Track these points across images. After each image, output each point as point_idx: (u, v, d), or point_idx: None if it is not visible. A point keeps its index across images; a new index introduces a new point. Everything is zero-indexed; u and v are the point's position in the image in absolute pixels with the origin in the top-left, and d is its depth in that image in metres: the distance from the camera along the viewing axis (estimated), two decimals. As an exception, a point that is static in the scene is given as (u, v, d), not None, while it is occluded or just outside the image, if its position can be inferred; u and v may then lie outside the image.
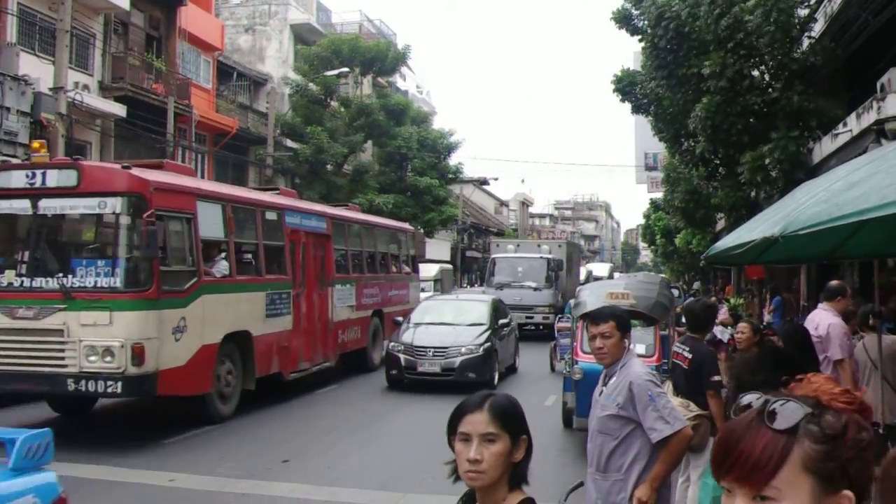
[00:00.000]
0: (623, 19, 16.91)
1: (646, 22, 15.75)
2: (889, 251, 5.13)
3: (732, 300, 22.59)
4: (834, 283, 8.28)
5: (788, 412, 1.33)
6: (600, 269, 52.71)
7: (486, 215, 69.59)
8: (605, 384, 4.40)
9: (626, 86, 18.45)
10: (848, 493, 1.30)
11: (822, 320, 7.47)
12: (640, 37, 16.50)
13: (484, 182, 58.10)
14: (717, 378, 6.51)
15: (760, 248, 3.23)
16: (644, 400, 4.13)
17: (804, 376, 1.50)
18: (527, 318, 25.64)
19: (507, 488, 2.35)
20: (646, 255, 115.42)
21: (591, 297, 11.11)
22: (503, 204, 79.65)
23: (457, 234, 53.59)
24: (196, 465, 9.30)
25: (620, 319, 4.35)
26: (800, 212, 2.68)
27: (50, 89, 18.06)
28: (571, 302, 18.74)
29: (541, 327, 26.29)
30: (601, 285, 13.57)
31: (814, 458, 1.30)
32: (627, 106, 19.05)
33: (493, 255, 29.33)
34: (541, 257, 27.72)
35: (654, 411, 4.12)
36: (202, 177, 28.69)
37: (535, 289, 26.25)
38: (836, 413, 1.35)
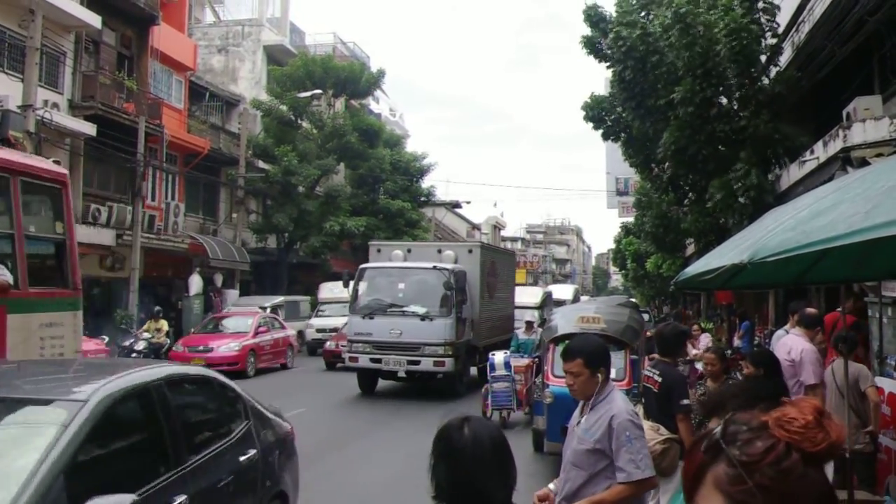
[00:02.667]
0: (591, 46, 17.19)
1: (612, 52, 16.01)
2: (854, 277, 5.20)
3: (703, 324, 22.77)
4: (812, 311, 8.38)
5: (710, 436, 1.42)
6: (563, 291, 47.80)
7: (458, 238, 69.67)
8: (583, 415, 4.30)
9: (596, 113, 18.64)
10: None
11: (796, 345, 7.56)
12: (608, 63, 16.78)
13: (456, 205, 58.17)
14: (686, 402, 6.55)
15: (729, 274, 3.26)
16: (621, 439, 4.06)
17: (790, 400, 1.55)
18: (409, 362, 17.74)
19: None
20: (616, 280, 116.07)
21: (562, 321, 11.17)
22: (475, 227, 79.80)
23: (429, 256, 53.44)
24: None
25: (589, 356, 4.20)
26: (768, 239, 2.71)
27: (18, 107, 17.88)
28: (519, 332, 17.47)
29: (439, 376, 18.01)
30: (572, 309, 13.62)
31: (724, 480, 1.35)
32: (599, 131, 19.20)
33: (365, 265, 19.63)
34: (435, 268, 18.17)
35: (627, 453, 4.04)
36: (172, 198, 28.56)
37: (425, 317, 17.64)
38: (770, 438, 1.38)
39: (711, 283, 4.17)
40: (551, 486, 4.32)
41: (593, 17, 17.13)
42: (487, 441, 2.46)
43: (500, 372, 13.59)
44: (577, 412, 4.42)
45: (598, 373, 4.21)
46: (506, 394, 13.50)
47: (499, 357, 13.98)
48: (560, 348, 10.79)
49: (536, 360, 13.80)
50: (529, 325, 17.33)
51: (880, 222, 2.18)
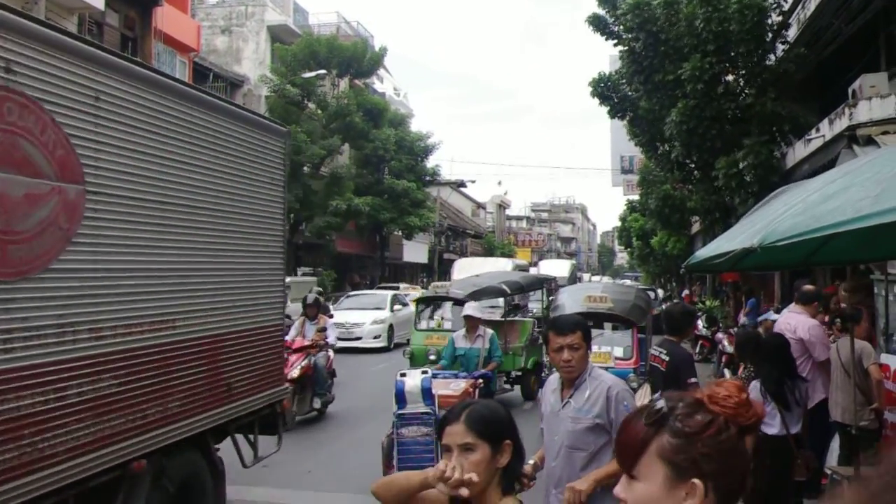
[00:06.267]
0: (598, 24, 17.06)
1: (621, 27, 15.94)
2: (860, 257, 5.25)
3: (708, 302, 22.84)
4: (809, 287, 8.41)
5: (654, 409, 1.58)
6: (558, 267, 44.48)
7: (463, 217, 69.72)
8: (570, 397, 4.19)
9: (604, 90, 18.55)
10: (696, 481, 1.51)
11: (801, 323, 7.61)
12: (615, 41, 16.70)
13: (461, 184, 58.27)
14: (693, 380, 6.61)
15: (738, 257, 3.32)
16: (619, 408, 4.03)
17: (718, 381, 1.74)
18: None
19: (499, 493, 2.36)
20: (622, 258, 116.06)
21: (569, 301, 11.21)
22: (480, 206, 79.79)
23: (434, 236, 53.70)
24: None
25: (587, 330, 4.18)
26: (778, 223, 2.76)
27: (25, 90, 17.90)
28: (457, 336, 10.71)
29: None
30: (579, 289, 13.65)
31: (668, 449, 1.53)
32: (604, 109, 19.11)
33: None
34: None
35: None
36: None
37: None
38: (707, 413, 1.56)
39: (721, 265, 4.22)
40: (531, 461, 4.19)
41: None
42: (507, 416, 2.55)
43: (415, 407, 7.79)
44: (553, 396, 4.30)
45: (590, 348, 4.23)
46: (424, 445, 7.66)
47: (412, 380, 7.90)
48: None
49: (482, 382, 9.75)
50: (472, 321, 10.59)
51: (888, 207, 2.23)
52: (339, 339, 21.98)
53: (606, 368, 9.72)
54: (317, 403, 12.37)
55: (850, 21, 12.42)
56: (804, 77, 15.10)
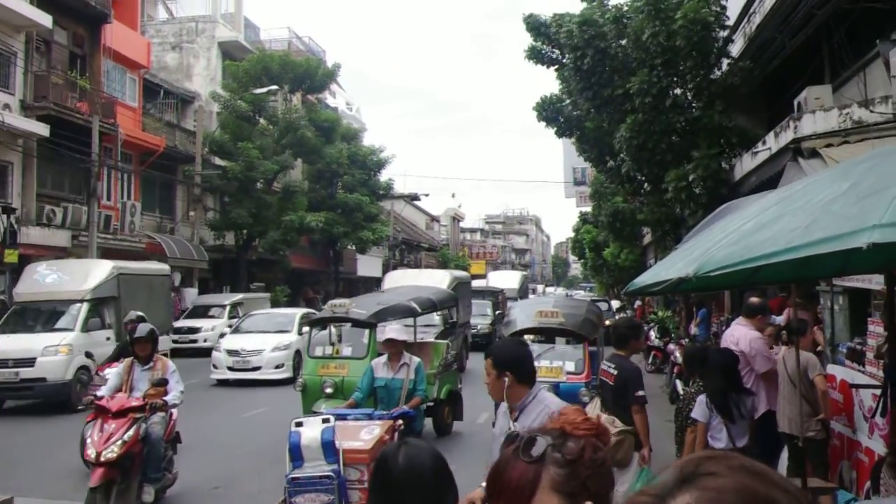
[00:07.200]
0: (536, 55, 17.51)
1: (569, 43, 16.17)
2: (800, 276, 5.36)
3: (660, 313, 23.09)
4: (754, 300, 8.58)
5: (535, 446, 1.64)
6: (507, 279, 44.64)
7: (417, 231, 69.73)
8: (516, 420, 4.19)
9: (549, 112, 18.82)
10: (589, 503, 1.60)
11: (742, 336, 7.75)
12: (555, 67, 17.12)
13: (415, 198, 58.23)
14: (641, 393, 6.72)
15: (675, 284, 3.39)
16: None
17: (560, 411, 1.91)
18: None
19: None
20: (576, 269, 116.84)
21: (521, 316, 11.28)
22: (434, 219, 79.85)
23: (388, 250, 53.60)
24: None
25: (495, 358, 4.16)
26: (713, 252, 2.83)
27: (-32, 109, 17.55)
28: (377, 364, 8.64)
29: None
30: (531, 303, 13.67)
31: (558, 480, 1.60)
32: (552, 129, 19.36)
33: None
34: None
35: None
36: (128, 197, 28.18)
37: None
38: (577, 439, 1.67)
39: (659, 292, 4.30)
40: (484, 483, 4.25)
41: (533, 24, 17.38)
42: (428, 467, 2.41)
43: (313, 467, 6.05)
44: (503, 420, 4.35)
45: (505, 375, 4.11)
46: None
47: (310, 431, 6.16)
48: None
49: (402, 424, 7.39)
50: (395, 346, 8.67)
51: (817, 238, 2.29)
52: (233, 369, 18.78)
53: (558, 383, 9.81)
54: (148, 496, 7.98)
55: (792, 36, 12.69)
56: (751, 90, 15.39)
